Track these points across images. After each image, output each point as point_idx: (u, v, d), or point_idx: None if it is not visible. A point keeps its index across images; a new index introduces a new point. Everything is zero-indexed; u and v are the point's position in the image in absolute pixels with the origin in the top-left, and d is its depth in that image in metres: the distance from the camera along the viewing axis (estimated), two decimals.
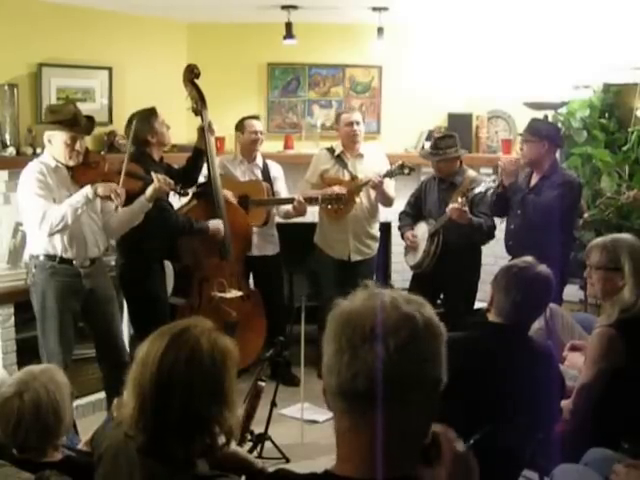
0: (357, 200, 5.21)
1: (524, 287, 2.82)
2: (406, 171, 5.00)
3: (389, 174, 5.06)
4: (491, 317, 2.91)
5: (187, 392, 1.85)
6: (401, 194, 5.42)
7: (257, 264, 5.38)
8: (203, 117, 4.91)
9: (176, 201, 4.93)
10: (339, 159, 5.30)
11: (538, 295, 2.87)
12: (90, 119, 4.05)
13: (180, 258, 5.03)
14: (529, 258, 2.98)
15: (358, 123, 5.25)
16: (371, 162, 5.29)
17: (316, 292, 5.61)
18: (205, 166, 4.97)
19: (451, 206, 4.73)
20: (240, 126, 5.34)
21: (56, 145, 3.89)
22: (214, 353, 1.91)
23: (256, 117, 5.39)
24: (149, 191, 4.13)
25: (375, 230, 5.46)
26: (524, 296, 2.81)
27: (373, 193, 5.23)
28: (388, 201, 5.28)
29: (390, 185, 5.21)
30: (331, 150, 5.36)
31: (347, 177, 5.26)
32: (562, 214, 4.50)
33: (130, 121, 4.53)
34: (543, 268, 2.90)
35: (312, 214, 5.48)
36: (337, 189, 5.09)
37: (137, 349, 1.95)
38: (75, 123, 3.89)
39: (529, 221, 4.64)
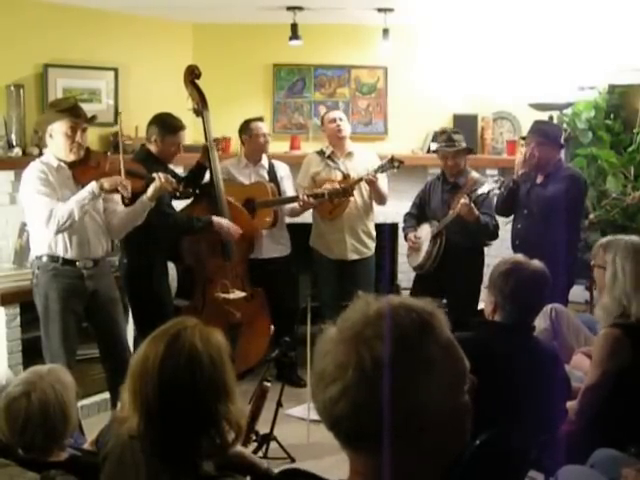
0: (351, 198, 5.21)
1: (514, 285, 2.83)
2: (396, 164, 5.03)
3: (380, 169, 5.08)
4: (492, 318, 2.92)
5: (193, 398, 1.84)
6: (408, 195, 5.42)
7: (267, 266, 5.34)
8: (204, 118, 4.91)
9: (178, 203, 4.91)
10: (330, 160, 5.31)
11: (532, 291, 2.87)
12: (93, 116, 4.06)
13: (183, 259, 5.03)
14: (520, 256, 2.99)
15: (341, 119, 5.30)
16: (361, 160, 5.31)
17: (319, 293, 5.61)
18: (208, 174, 4.99)
19: (462, 201, 4.72)
20: (246, 129, 5.27)
21: (57, 138, 3.88)
22: (211, 352, 1.90)
23: (261, 119, 5.35)
24: (151, 190, 4.11)
25: (371, 228, 5.46)
26: (515, 294, 2.82)
27: (366, 191, 5.25)
28: (382, 199, 5.29)
29: (383, 182, 5.23)
30: (321, 152, 5.37)
31: (339, 177, 5.26)
32: (567, 208, 4.51)
33: (160, 115, 4.64)
34: (535, 264, 2.90)
35: None
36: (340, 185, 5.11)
37: (131, 359, 1.94)
38: (74, 111, 3.89)
39: (535, 219, 4.65)
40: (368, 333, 1.12)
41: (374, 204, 5.40)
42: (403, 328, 1.13)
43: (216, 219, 4.81)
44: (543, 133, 4.75)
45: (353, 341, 1.13)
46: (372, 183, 5.10)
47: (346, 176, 5.23)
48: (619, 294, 3.15)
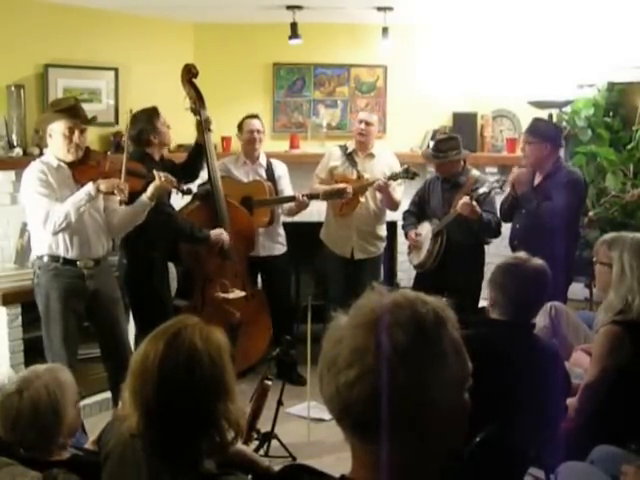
0: (362, 199, 5.22)
1: (516, 282, 2.84)
2: (410, 175, 5.05)
3: (393, 177, 5.09)
4: (493, 315, 2.93)
5: (193, 396, 1.84)
6: (406, 193, 5.42)
7: (264, 264, 5.39)
8: (202, 117, 4.92)
9: (179, 199, 4.92)
10: (350, 157, 5.33)
11: (531, 289, 2.88)
12: (93, 117, 4.06)
13: (182, 260, 5.04)
14: (522, 254, 2.99)
15: (368, 123, 5.28)
16: (381, 164, 5.32)
17: (322, 291, 5.62)
18: (205, 163, 4.99)
19: (462, 201, 4.73)
20: (240, 126, 5.35)
21: (55, 138, 3.90)
22: (210, 351, 1.89)
23: (255, 116, 5.36)
24: (151, 189, 4.12)
25: (381, 231, 5.48)
26: (517, 291, 2.84)
27: (379, 195, 5.26)
28: (393, 205, 5.30)
29: (397, 189, 5.23)
30: (343, 148, 5.40)
31: (355, 175, 5.28)
32: (568, 214, 4.52)
33: (132, 119, 4.43)
34: (535, 262, 2.91)
35: (318, 213, 5.50)
36: (342, 186, 5.13)
37: (131, 358, 1.94)
38: (73, 112, 3.90)
39: (533, 220, 4.65)
40: (388, 320, 1.13)
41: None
42: (421, 320, 1.14)
43: (213, 234, 4.81)
44: (536, 132, 4.72)
45: (372, 326, 1.13)
46: (382, 189, 5.11)
47: (360, 176, 5.25)
48: (625, 291, 3.15)
